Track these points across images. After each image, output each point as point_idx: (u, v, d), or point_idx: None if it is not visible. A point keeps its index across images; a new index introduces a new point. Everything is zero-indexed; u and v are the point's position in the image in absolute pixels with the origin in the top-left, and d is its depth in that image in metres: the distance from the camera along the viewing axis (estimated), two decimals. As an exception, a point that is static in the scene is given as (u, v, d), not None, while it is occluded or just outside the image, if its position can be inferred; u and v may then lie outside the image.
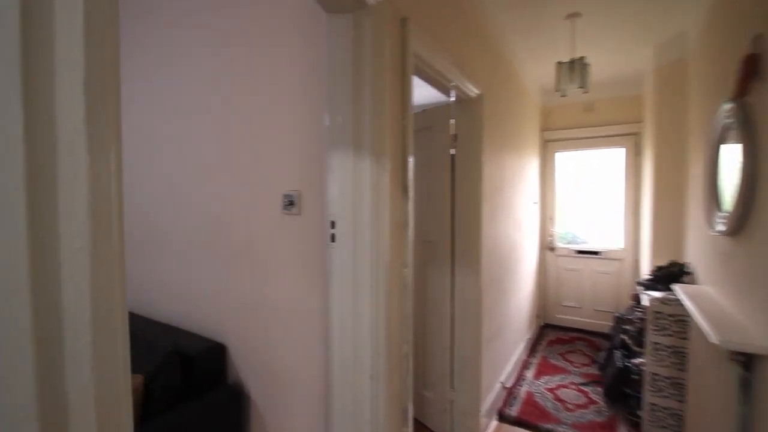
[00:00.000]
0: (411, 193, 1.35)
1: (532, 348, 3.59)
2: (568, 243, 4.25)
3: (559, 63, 2.48)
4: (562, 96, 2.56)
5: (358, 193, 1.15)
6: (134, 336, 1.74)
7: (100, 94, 0.44)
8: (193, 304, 1.93)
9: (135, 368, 1.65)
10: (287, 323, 1.55)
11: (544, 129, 4.17)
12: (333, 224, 1.18)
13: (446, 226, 2.07)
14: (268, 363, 1.62)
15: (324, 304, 1.40)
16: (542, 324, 4.21)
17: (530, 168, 3.65)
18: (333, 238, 1.18)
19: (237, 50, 1.67)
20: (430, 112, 2.18)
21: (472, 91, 1.96)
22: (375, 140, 1.15)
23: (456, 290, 2.06)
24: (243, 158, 1.66)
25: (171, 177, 2.01)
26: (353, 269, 1.15)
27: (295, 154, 1.49)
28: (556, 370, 3.13)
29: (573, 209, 4.29)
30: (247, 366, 1.70)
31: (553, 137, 4.15)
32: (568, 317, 4.14)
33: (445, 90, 1.90)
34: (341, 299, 1.18)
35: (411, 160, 1.34)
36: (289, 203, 1.49)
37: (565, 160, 4.25)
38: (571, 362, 3.28)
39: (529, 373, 3.06)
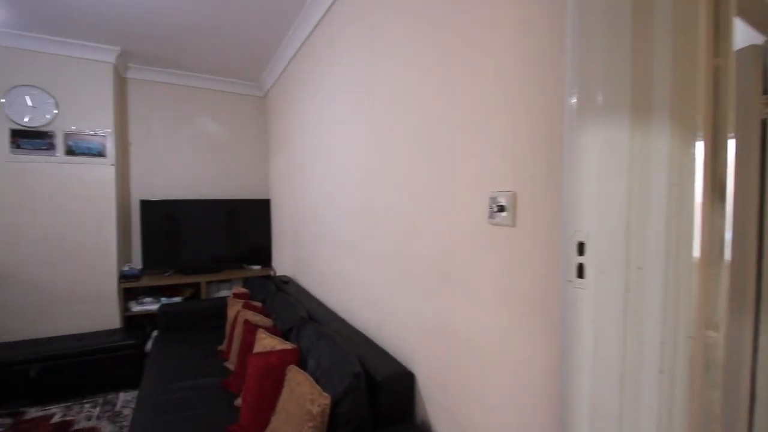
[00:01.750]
0: (730, 197, 0.74)
1: None
2: None
3: None
4: None
5: (638, 197, 0.65)
6: (334, 343, 1.70)
7: None
8: (382, 317, 1.77)
9: (326, 380, 1.65)
10: (488, 367, 1.16)
11: None
12: (581, 247, 0.72)
13: (748, 242, 1.25)
14: (464, 412, 1.27)
15: (552, 363, 0.94)
16: None
17: None
18: (580, 270, 0.72)
19: (439, 28, 1.39)
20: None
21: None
22: (675, 110, 0.63)
23: None
24: (439, 150, 1.37)
25: (364, 180, 1.92)
26: (623, 331, 0.66)
27: (508, 142, 1.08)
28: None
29: None
30: (438, 407, 1.40)
31: None
32: None
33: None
34: (595, 375, 0.70)
35: (733, 143, 0.74)
36: (498, 209, 1.10)
37: None
38: None
39: None
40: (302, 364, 1.69)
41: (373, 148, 1.82)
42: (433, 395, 1.41)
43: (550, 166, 0.95)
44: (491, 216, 1.12)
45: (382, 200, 1.75)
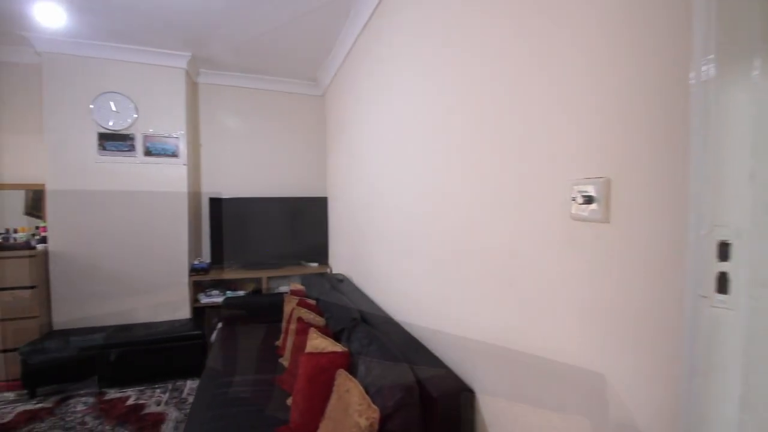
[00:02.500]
0: None
1: None
2: None
3: None
4: None
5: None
6: (386, 349, 1.57)
7: None
8: (439, 324, 1.61)
9: (375, 390, 1.33)
10: (566, 395, 0.95)
11: None
12: (724, 250, 0.50)
13: None
14: (535, 443, 1.06)
15: (658, 402, 0.71)
16: None
17: None
18: (723, 282, 0.50)
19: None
20: None
21: None
22: None
23: None
24: (508, 130, 1.17)
25: (419, 174, 1.77)
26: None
27: (597, 117, 0.86)
28: None
29: None
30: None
31: None
32: None
33: None
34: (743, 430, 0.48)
35: None
36: (586, 200, 0.88)
37: None
38: None
39: None
40: (352, 369, 1.59)
41: (431, 137, 1.66)
42: (496, 417, 1.22)
43: (655, 145, 0.72)
44: (575, 209, 0.91)
45: (439, 195, 1.58)
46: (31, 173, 3.23)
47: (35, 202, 3.23)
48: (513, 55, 1.14)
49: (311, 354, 1.69)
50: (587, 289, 0.89)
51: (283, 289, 3.70)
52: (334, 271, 3.70)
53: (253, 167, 3.89)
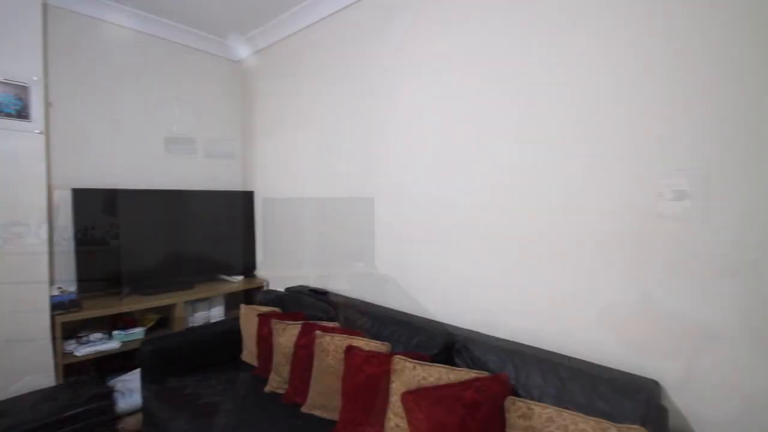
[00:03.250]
0: None
1: None
2: None
3: None
4: None
5: None
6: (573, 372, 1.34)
7: None
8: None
9: None
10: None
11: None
12: None
13: None
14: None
15: None
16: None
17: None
18: None
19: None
20: None
21: None
22: None
23: None
24: (601, 123, 1.18)
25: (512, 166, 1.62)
26: None
27: (691, 105, 0.94)
28: None
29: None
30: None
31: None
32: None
33: None
34: None
35: None
36: (677, 196, 0.86)
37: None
38: None
39: None
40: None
41: (531, 134, 1.53)
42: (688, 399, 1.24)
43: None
44: (664, 205, 0.86)
45: (533, 180, 1.48)
46: None
47: None
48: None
49: (449, 387, 1.30)
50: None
51: (201, 317, 2.71)
52: (271, 286, 2.97)
53: (131, 146, 2.67)
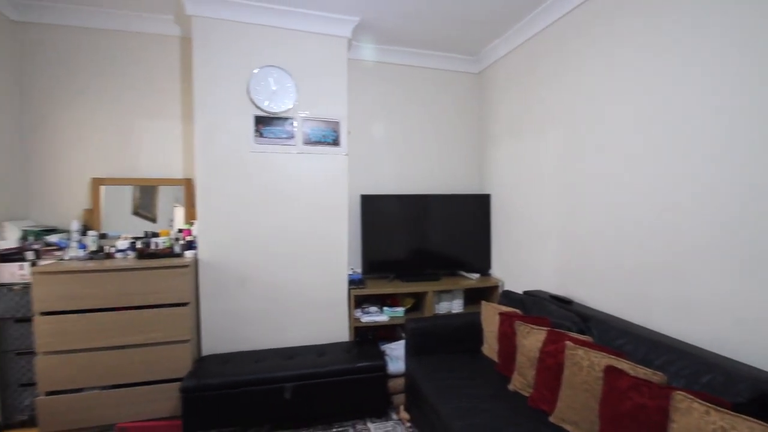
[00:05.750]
0: None
1: None
2: None
3: None
4: None
5: None
6: None
7: None
8: None
9: None
10: None
11: None
12: None
13: None
14: None
15: None
16: None
17: None
18: None
19: None
20: None
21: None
22: None
23: None
24: None
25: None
26: None
27: None
28: None
29: None
30: None
31: None
32: None
33: None
34: None
35: None
36: None
37: None
38: None
39: None
40: None
41: None
42: None
43: None
44: None
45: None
46: (169, 166, 2.74)
47: (144, 200, 2.72)
48: None
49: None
50: None
51: (444, 306, 3.06)
52: (506, 286, 3.04)
53: (400, 159, 3.28)
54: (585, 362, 1.61)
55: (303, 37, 2.60)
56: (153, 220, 2.73)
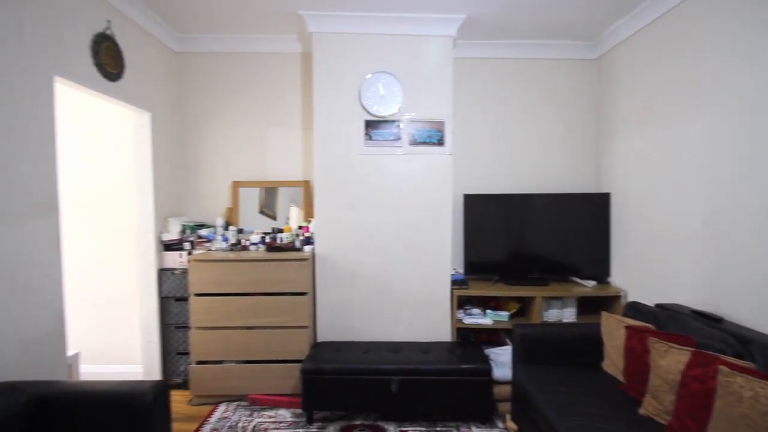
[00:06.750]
0: None
1: None
2: None
3: None
4: None
5: None
6: None
7: None
8: None
9: None
10: None
11: None
12: None
13: None
14: None
15: None
16: None
17: None
18: None
19: None
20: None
21: None
22: None
23: None
24: None
25: None
26: None
27: None
28: None
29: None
30: None
31: None
32: None
33: None
34: None
35: None
36: None
37: None
38: None
39: None
40: None
41: None
42: None
43: None
44: None
45: None
46: (291, 169, 3.06)
47: (268, 200, 3.05)
48: None
49: None
50: None
51: (554, 314, 2.85)
52: (629, 296, 2.70)
53: (506, 157, 3.15)
54: (746, 393, 1.36)
55: (409, 41, 2.67)
56: (273, 217, 3.08)
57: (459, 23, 2.62)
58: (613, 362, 2.09)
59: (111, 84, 2.25)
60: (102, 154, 2.84)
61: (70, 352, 2.07)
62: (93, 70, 2.12)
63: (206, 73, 3.02)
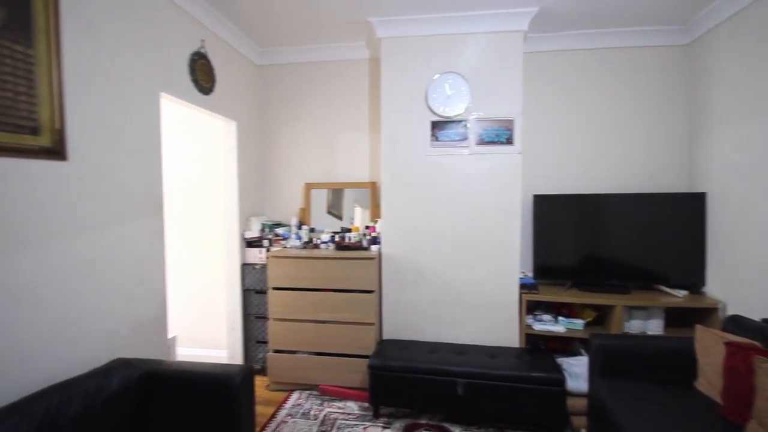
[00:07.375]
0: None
1: None
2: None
3: None
4: None
5: None
6: None
7: None
8: None
9: None
10: None
11: None
12: None
13: None
14: None
15: None
16: None
17: None
18: None
19: None
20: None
21: None
22: None
23: None
24: None
25: None
26: None
27: None
28: None
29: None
30: None
31: None
32: None
33: None
34: None
35: None
36: None
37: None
38: None
39: None
40: None
41: None
42: None
43: None
44: None
45: None
46: (358, 171, 3.18)
47: (334, 201, 3.17)
48: None
49: None
50: None
51: (637, 325, 2.62)
52: (729, 309, 2.40)
53: (580, 155, 2.96)
54: None
55: (477, 39, 2.63)
56: (339, 217, 3.22)
57: (531, 16, 2.52)
58: (710, 381, 1.87)
59: (205, 97, 2.53)
60: (195, 161, 3.18)
61: (169, 335, 2.35)
62: (191, 86, 2.39)
63: (283, 83, 3.25)
